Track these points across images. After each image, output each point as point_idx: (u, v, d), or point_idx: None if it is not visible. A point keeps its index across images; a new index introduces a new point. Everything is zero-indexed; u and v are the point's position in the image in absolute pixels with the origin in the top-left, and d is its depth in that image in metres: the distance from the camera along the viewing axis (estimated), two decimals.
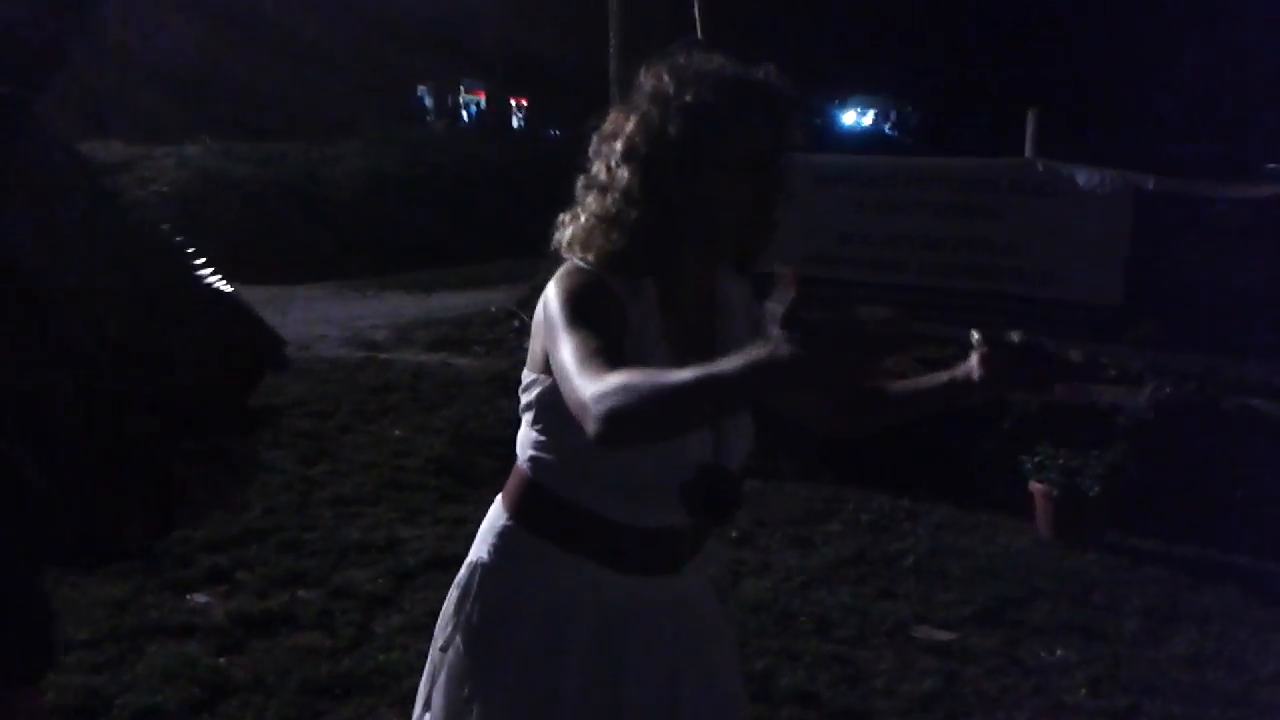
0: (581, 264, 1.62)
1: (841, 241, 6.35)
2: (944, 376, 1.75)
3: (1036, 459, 5.01)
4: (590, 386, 1.37)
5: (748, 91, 1.60)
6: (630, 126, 1.61)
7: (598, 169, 1.65)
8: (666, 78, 1.61)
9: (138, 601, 3.86)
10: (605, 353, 1.43)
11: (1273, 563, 4.71)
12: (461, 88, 33.07)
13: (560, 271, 1.62)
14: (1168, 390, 5.18)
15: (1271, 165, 9.18)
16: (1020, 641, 3.96)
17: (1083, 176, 5.72)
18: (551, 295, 1.58)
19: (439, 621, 1.79)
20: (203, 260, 1.51)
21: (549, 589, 1.67)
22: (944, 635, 3.96)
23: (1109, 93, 18.72)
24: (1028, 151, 6.19)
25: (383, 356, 7.86)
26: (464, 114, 32.29)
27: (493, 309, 8.80)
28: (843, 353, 1.26)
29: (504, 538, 1.71)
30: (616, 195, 1.61)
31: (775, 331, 1.33)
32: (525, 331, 8.21)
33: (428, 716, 1.79)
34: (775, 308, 1.42)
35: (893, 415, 1.84)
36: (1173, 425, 5.08)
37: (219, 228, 12.01)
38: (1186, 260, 5.49)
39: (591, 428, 1.36)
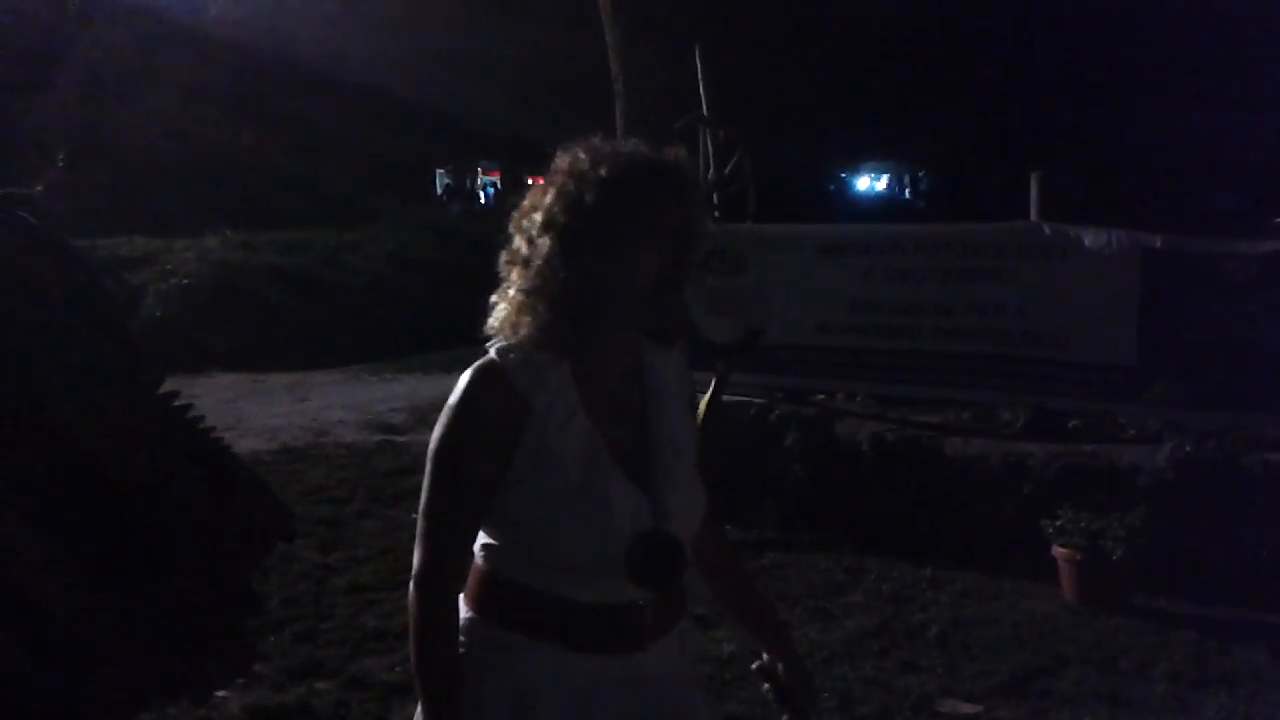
0: (494, 356, 1.70)
1: (852, 309, 6.35)
2: (771, 646, 1.96)
3: (1058, 523, 4.96)
4: (416, 572, 1.67)
5: (658, 169, 1.70)
6: (549, 199, 1.69)
7: (519, 243, 1.72)
8: (582, 155, 1.70)
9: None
10: (453, 510, 1.67)
11: None
12: (479, 169, 33.62)
13: (470, 370, 1.70)
14: (1187, 449, 5.12)
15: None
16: (1047, 712, 3.88)
17: (1089, 237, 5.72)
18: (456, 390, 1.69)
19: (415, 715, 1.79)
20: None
21: (513, 675, 1.70)
22: (969, 709, 3.89)
23: (1122, 148, 18.80)
24: (1032, 214, 6.20)
25: (399, 439, 7.90)
26: (481, 195, 32.78)
27: None
28: None
29: (467, 632, 1.73)
30: (538, 264, 1.68)
31: None
32: None
33: None
34: None
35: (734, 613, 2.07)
36: (1194, 484, 5.01)
37: (240, 318, 12.18)
38: (1201, 318, 5.44)
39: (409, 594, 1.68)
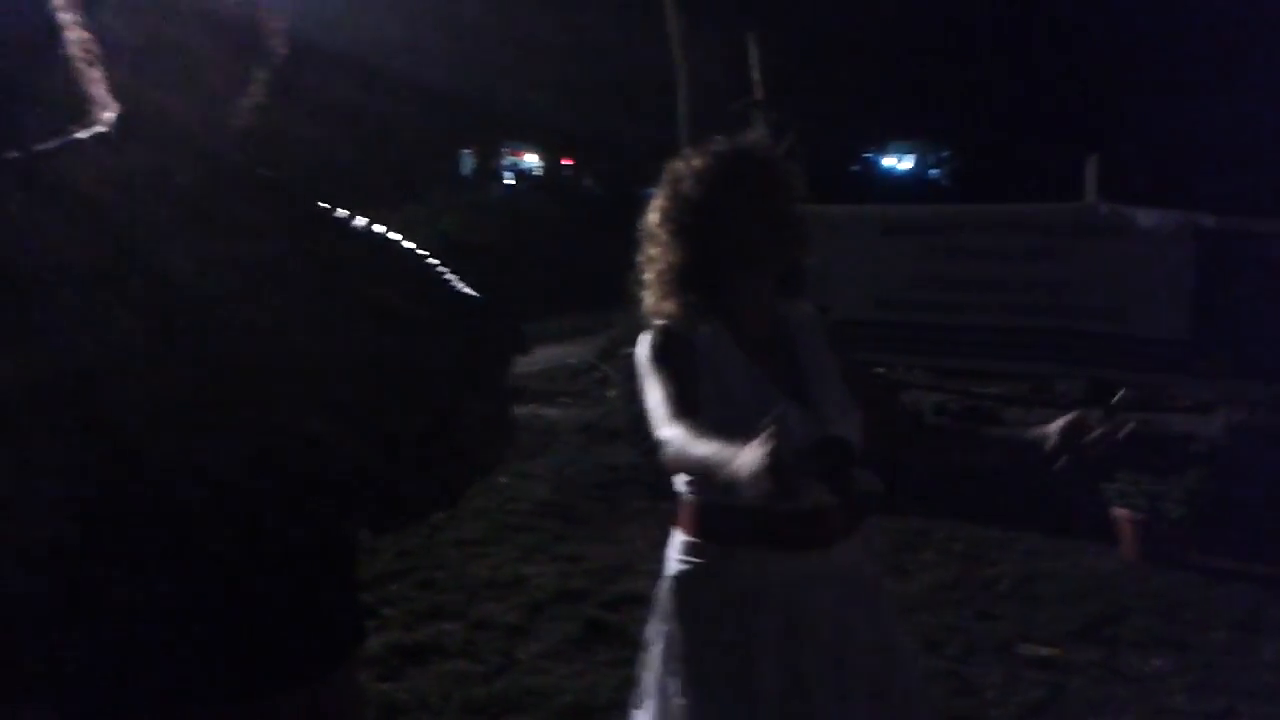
0: (657, 323, 2.12)
1: (912, 286, 6.66)
2: (1021, 437, 2.20)
3: (1116, 486, 5.27)
4: (661, 429, 1.92)
5: (743, 155, 2.14)
6: (661, 200, 2.16)
7: (646, 243, 2.18)
8: (681, 159, 2.16)
9: None
10: (674, 398, 1.95)
11: None
12: (505, 151, 33.56)
13: (643, 334, 2.12)
14: (1242, 417, 5.43)
15: None
16: (1119, 654, 4.21)
17: (1144, 217, 6.02)
18: (638, 355, 2.09)
19: (648, 627, 2.17)
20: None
21: (729, 581, 2.06)
22: (1048, 650, 4.23)
23: (1154, 130, 18.90)
24: (1089, 195, 6.49)
25: None
26: (510, 176, 32.67)
27: (573, 361, 9.18)
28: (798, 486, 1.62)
29: (685, 550, 2.11)
30: (661, 253, 2.14)
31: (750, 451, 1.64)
32: (607, 383, 8.53)
33: (647, 703, 2.14)
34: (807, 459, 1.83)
35: (946, 455, 2.42)
36: (1247, 449, 5.33)
37: None
38: (1251, 293, 5.74)
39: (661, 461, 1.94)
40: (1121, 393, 6.26)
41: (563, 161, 32.30)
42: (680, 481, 2.11)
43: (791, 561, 2.04)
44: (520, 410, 8.09)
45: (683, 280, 2.10)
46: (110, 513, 1.29)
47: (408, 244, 1.49)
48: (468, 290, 1.49)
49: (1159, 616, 4.55)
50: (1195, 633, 4.39)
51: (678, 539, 2.14)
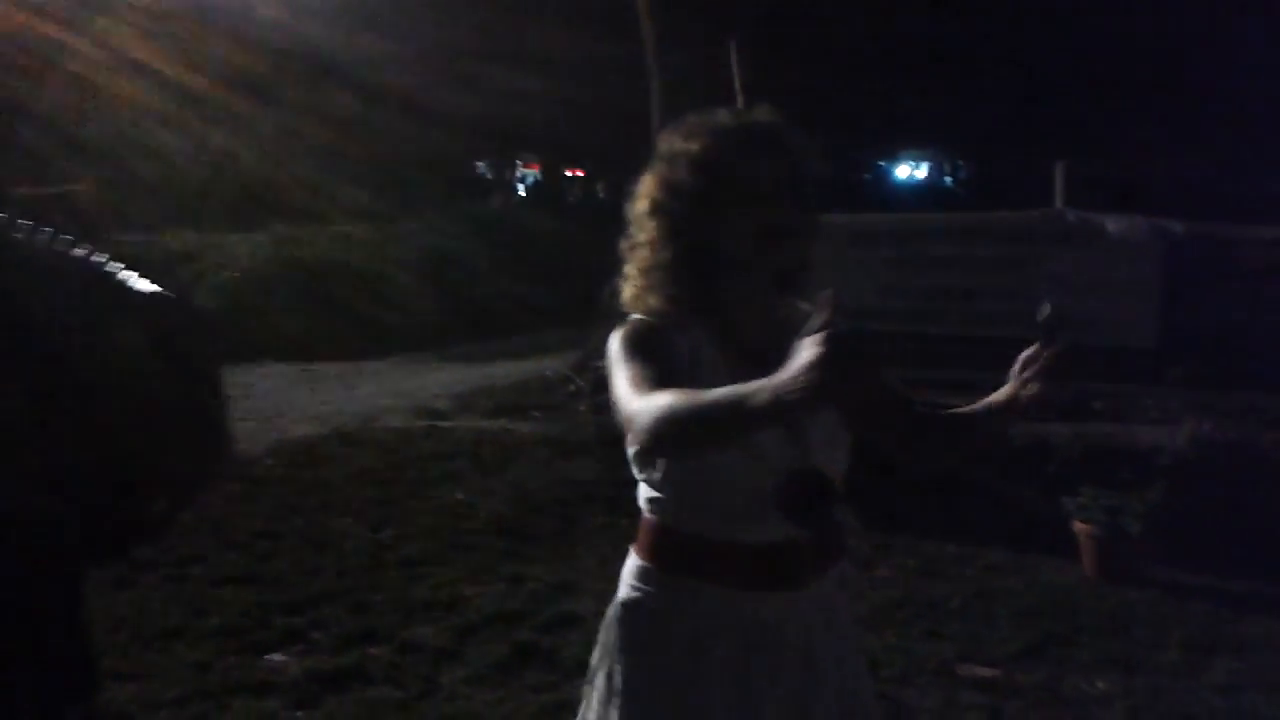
0: (636, 318, 1.84)
1: (883, 295, 6.55)
2: (996, 397, 1.91)
3: (1079, 500, 5.13)
4: (637, 403, 1.58)
5: (746, 132, 1.80)
6: (650, 185, 1.85)
7: (633, 230, 1.88)
8: (674, 136, 1.84)
9: (220, 662, 4.13)
10: (652, 379, 1.62)
11: None
12: (518, 163, 33.89)
13: (619, 326, 1.82)
14: (1206, 428, 5.28)
15: None
16: (1063, 676, 4.07)
17: (1113, 224, 5.88)
18: (612, 344, 1.78)
19: (593, 656, 1.96)
20: None
21: (688, 618, 1.82)
22: (988, 672, 4.09)
23: (1150, 137, 18.75)
24: (1057, 202, 6.36)
25: (445, 425, 8.17)
26: (519, 186, 32.98)
27: (549, 375, 9.09)
28: (857, 367, 1.37)
29: (640, 578, 1.88)
30: (649, 245, 1.84)
31: (801, 345, 1.39)
32: (580, 395, 8.42)
33: None
34: (812, 325, 1.46)
35: (952, 439, 2.00)
36: (1212, 463, 5.17)
37: (290, 309, 12.53)
38: (1220, 302, 5.60)
39: (637, 438, 1.57)
40: (1097, 405, 6.11)
41: (572, 173, 32.45)
42: (644, 497, 1.88)
43: (755, 603, 1.82)
44: (489, 426, 8.01)
45: (671, 276, 1.82)
46: None
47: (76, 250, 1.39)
48: (147, 286, 1.39)
49: (1111, 635, 4.40)
50: (1146, 653, 4.25)
51: (633, 563, 1.92)
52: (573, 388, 8.34)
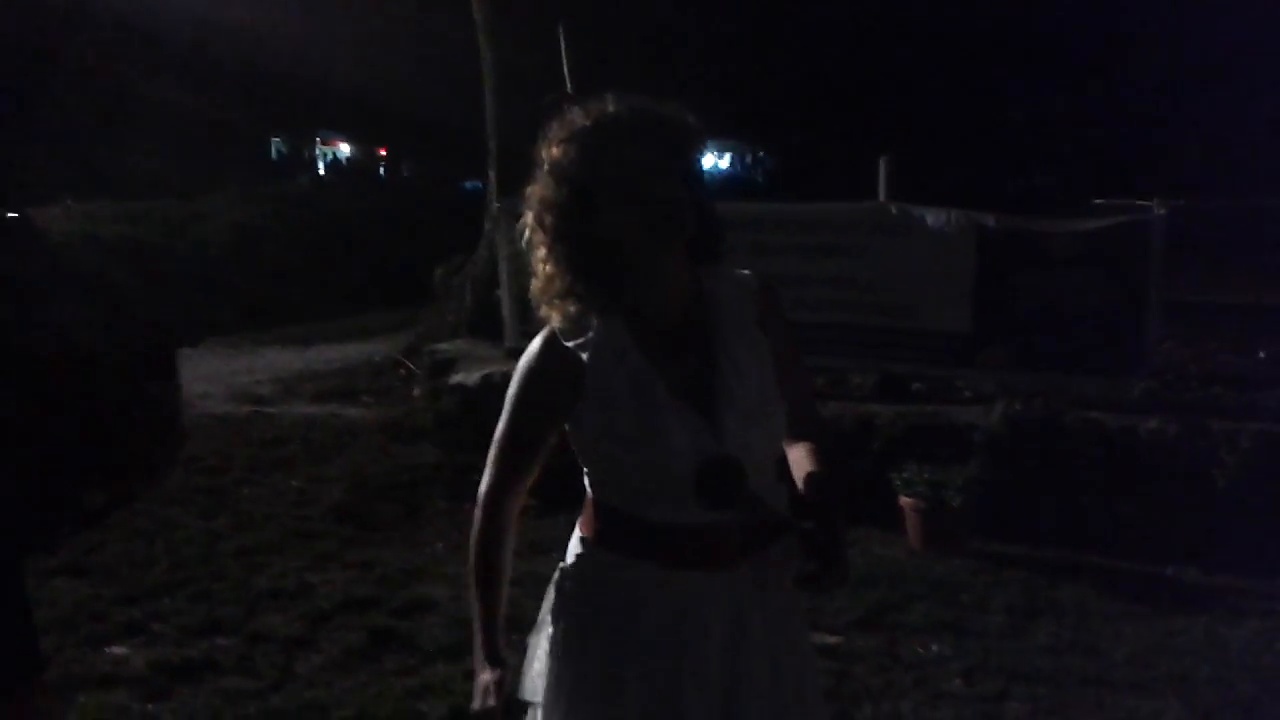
0: (545, 330, 1.90)
1: None
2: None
3: (904, 476, 5.44)
4: (482, 490, 1.92)
5: (635, 120, 1.82)
6: (539, 185, 1.86)
7: (529, 231, 1.90)
8: (561, 126, 1.84)
9: (59, 656, 3.93)
10: (509, 451, 1.91)
11: (1119, 559, 5.20)
12: (318, 139, 32.68)
13: (535, 339, 1.90)
14: (1016, 408, 5.68)
15: (1099, 200, 9.95)
16: (900, 641, 4.33)
17: (931, 217, 6.22)
18: (518, 365, 1.91)
19: (538, 618, 1.99)
20: None
21: (619, 588, 1.89)
22: (832, 639, 4.30)
23: (952, 134, 19.85)
24: (881, 195, 6.69)
25: (270, 410, 7.93)
26: (320, 165, 31.80)
27: (377, 359, 8.92)
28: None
29: (579, 552, 1.95)
30: (545, 242, 1.86)
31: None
32: (411, 380, 8.27)
33: (528, 691, 1.96)
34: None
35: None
36: (1022, 440, 5.56)
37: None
38: (1029, 289, 6.01)
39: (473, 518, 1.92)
40: (916, 387, 6.47)
41: (378, 151, 31.65)
42: (586, 474, 1.93)
43: (685, 581, 1.86)
44: (318, 411, 7.81)
45: (571, 280, 1.83)
46: None
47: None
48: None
49: (939, 603, 4.70)
50: (973, 618, 4.55)
51: (576, 536, 1.98)
52: (404, 372, 8.22)
